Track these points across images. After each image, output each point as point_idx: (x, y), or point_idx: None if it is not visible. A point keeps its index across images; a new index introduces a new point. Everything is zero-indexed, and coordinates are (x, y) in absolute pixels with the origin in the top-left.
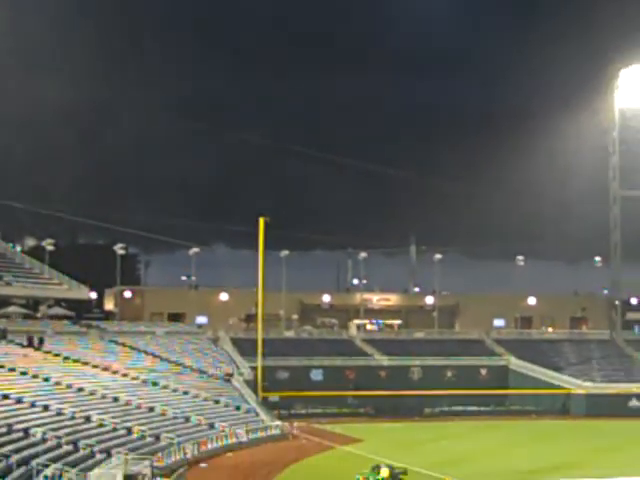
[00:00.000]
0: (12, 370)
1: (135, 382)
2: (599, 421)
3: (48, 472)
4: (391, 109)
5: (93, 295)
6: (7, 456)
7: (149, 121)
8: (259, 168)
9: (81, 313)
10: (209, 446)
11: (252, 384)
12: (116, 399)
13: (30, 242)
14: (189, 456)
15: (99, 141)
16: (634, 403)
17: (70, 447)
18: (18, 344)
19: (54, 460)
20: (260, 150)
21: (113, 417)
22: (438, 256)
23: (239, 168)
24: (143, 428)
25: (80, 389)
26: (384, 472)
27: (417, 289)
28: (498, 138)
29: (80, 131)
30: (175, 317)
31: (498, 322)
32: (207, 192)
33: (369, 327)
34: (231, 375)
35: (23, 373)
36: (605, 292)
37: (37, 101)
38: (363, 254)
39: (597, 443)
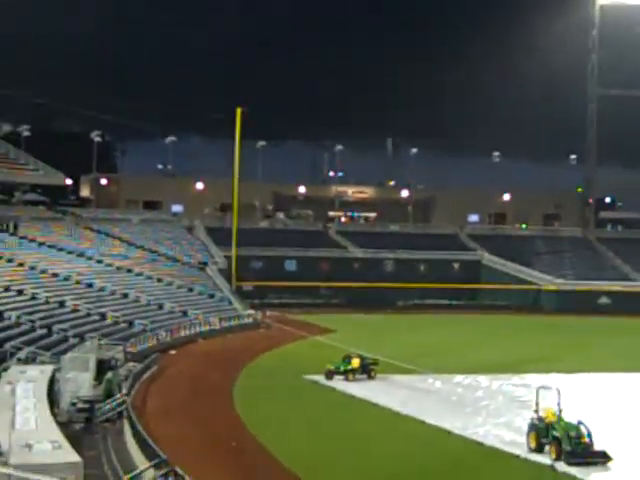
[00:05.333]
0: None
1: (109, 269)
2: (569, 317)
3: (22, 355)
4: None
5: (69, 181)
6: None
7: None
8: (237, 57)
9: (56, 199)
10: (182, 333)
11: (226, 273)
12: (90, 285)
13: (6, 127)
14: (162, 342)
15: (74, 28)
16: (603, 300)
17: (44, 331)
18: None
19: (28, 343)
20: (238, 38)
21: (87, 302)
22: (414, 150)
23: (217, 57)
24: (117, 314)
25: (54, 274)
26: (355, 362)
27: (393, 182)
28: (477, 33)
29: (54, 18)
30: (151, 205)
31: (472, 217)
32: (184, 81)
33: (343, 220)
34: (205, 264)
35: None
36: (579, 190)
37: None
38: (339, 147)
39: (566, 339)
